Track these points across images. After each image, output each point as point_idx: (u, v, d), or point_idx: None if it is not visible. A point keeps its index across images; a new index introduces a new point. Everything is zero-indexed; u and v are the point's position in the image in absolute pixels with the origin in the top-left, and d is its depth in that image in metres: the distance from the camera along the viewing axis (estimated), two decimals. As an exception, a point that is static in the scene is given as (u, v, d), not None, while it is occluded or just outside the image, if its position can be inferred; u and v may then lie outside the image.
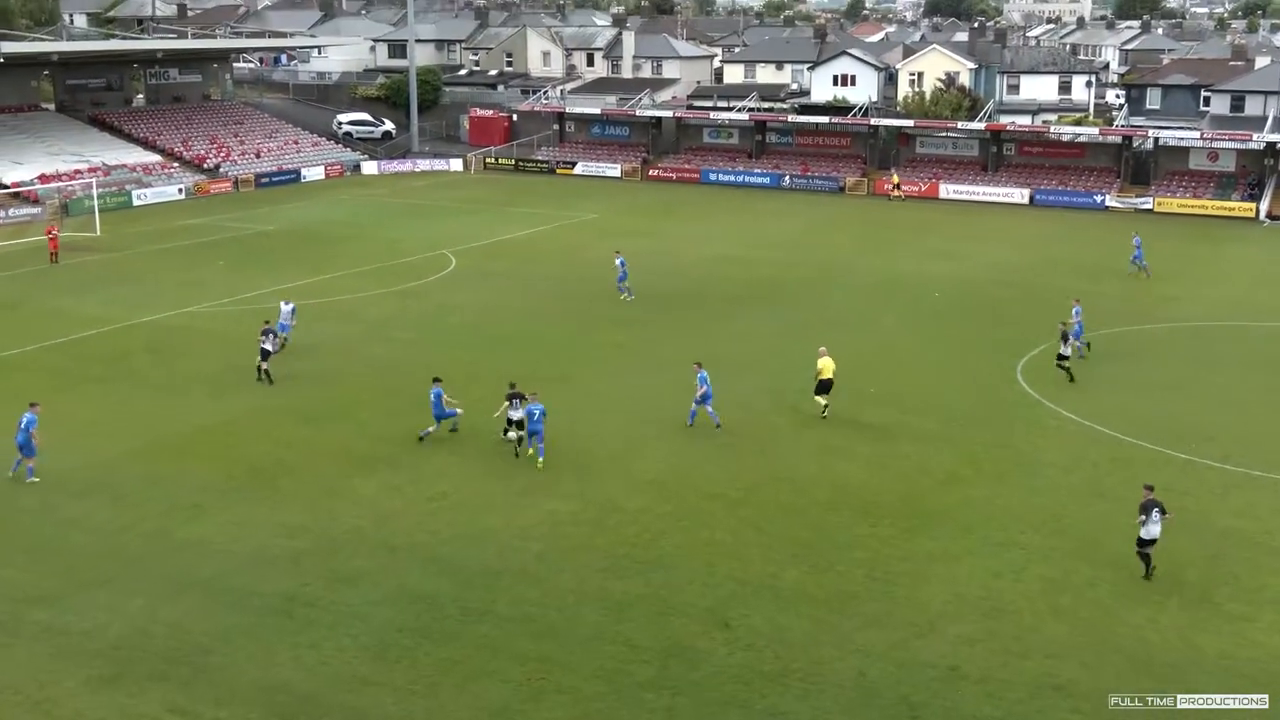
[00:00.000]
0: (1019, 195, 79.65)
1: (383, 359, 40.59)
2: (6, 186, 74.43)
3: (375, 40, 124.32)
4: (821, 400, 34.71)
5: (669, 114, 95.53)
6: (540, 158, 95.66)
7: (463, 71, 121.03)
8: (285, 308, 42.15)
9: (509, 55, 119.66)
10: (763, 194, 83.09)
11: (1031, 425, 33.98)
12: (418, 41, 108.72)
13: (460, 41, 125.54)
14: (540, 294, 50.04)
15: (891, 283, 53.45)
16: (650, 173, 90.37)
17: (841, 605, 23.85)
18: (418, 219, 71.16)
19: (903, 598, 24.14)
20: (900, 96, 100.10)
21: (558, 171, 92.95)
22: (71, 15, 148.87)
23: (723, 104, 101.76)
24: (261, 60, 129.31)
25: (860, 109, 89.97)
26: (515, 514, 27.95)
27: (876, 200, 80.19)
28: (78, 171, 78.44)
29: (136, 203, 77.37)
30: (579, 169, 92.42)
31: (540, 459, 30.54)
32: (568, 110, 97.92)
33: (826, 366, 34.88)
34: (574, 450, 31.93)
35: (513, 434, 31.45)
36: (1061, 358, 38.25)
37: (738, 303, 49.23)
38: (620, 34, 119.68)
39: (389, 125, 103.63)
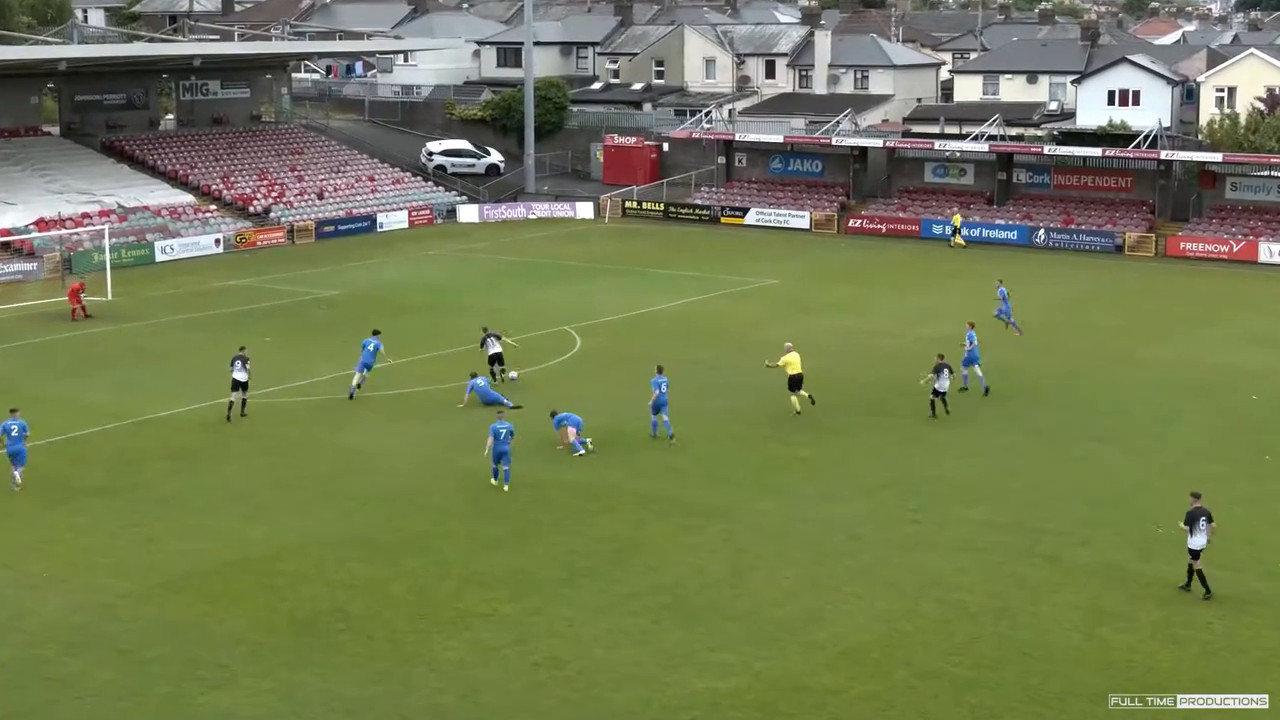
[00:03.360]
0: (1375, 259, 77.81)
1: (478, 473, 40.93)
2: (-6, 234, 77.50)
3: (480, 43, 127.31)
4: (795, 400, 46.35)
5: (877, 143, 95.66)
6: (699, 201, 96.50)
7: (597, 85, 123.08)
8: (372, 342, 49.72)
9: (659, 63, 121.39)
10: (1007, 254, 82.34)
11: (1395, 587, 32.81)
12: (537, 44, 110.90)
13: (594, 45, 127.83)
14: (696, 387, 50.03)
15: (1186, 379, 52.41)
16: (850, 223, 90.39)
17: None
18: (532, 283, 72.11)
19: (1205, 830, 23.30)
20: (1203, 121, 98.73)
21: (723, 220, 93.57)
22: (85, 12, 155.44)
23: (952, 129, 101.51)
24: (330, 70, 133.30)
25: (1146, 137, 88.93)
26: (657, 691, 27.77)
27: (1169, 263, 78.96)
28: (86, 215, 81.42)
29: (160, 257, 79.93)
30: (752, 217, 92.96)
31: (506, 485, 39.09)
32: (738, 137, 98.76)
33: (791, 362, 46.36)
34: (738, 606, 31.69)
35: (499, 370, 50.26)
36: (936, 393, 46.40)
37: (967, 403, 48.65)
38: (812, 35, 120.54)
39: (495, 156, 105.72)
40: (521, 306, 65.55)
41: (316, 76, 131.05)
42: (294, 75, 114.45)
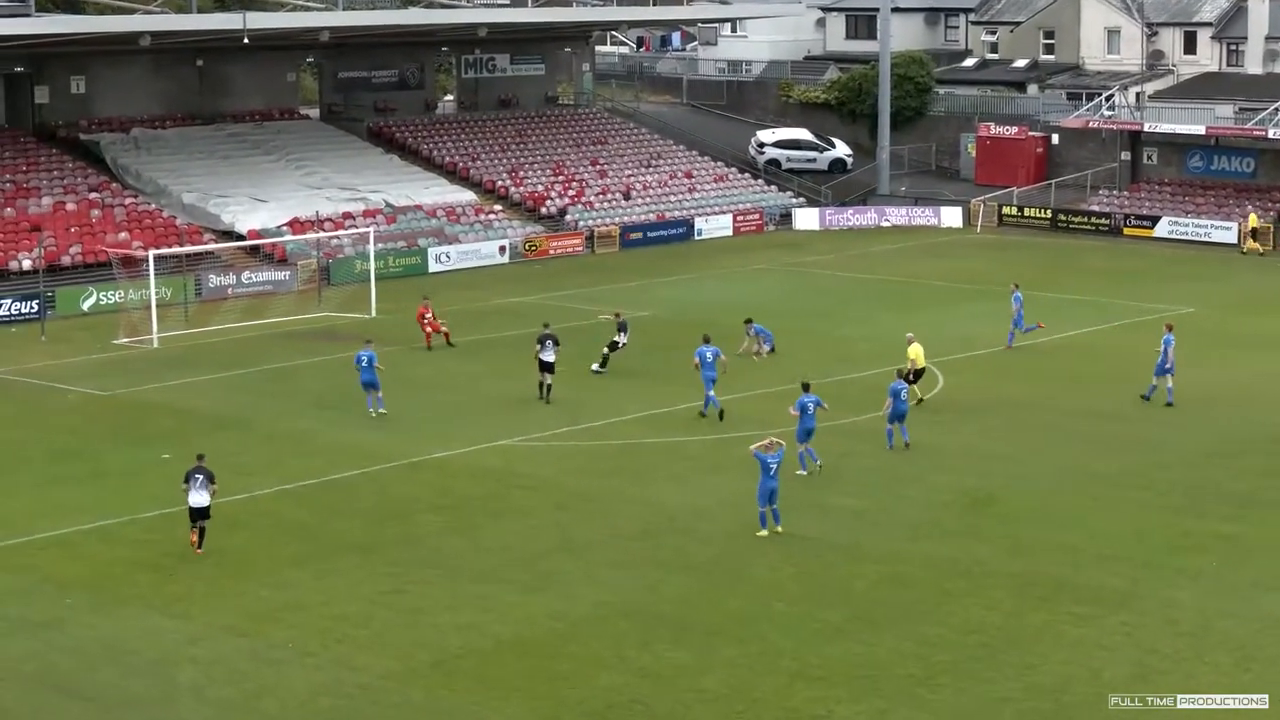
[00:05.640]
0: None
1: (815, 536, 40.94)
2: (241, 237, 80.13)
3: (825, 9, 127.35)
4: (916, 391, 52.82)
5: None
6: (1097, 208, 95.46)
7: (968, 62, 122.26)
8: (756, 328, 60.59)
9: (1048, 34, 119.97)
10: None
11: None
12: (896, 11, 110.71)
13: (966, 12, 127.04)
14: (1085, 441, 49.25)
15: None
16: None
17: None
18: (884, 307, 72.08)
19: None
20: None
21: (1126, 232, 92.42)
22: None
23: None
24: (641, 42, 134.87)
25: None
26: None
27: None
28: (348, 216, 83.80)
29: (434, 266, 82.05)
30: (1164, 228, 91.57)
31: (779, 525, 41.03)
32: (1148, 127, 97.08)
33: (918, 354, 53.40)
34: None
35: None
36: None
37: None
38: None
39: (841, 150, 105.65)
40: (870, 335, 65.27)
41: (625, 50, 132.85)
42: (598, 49, 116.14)
